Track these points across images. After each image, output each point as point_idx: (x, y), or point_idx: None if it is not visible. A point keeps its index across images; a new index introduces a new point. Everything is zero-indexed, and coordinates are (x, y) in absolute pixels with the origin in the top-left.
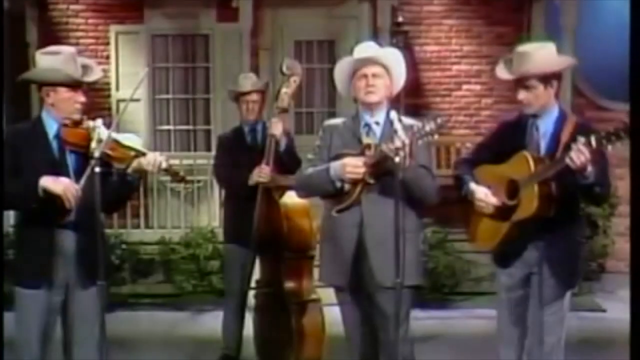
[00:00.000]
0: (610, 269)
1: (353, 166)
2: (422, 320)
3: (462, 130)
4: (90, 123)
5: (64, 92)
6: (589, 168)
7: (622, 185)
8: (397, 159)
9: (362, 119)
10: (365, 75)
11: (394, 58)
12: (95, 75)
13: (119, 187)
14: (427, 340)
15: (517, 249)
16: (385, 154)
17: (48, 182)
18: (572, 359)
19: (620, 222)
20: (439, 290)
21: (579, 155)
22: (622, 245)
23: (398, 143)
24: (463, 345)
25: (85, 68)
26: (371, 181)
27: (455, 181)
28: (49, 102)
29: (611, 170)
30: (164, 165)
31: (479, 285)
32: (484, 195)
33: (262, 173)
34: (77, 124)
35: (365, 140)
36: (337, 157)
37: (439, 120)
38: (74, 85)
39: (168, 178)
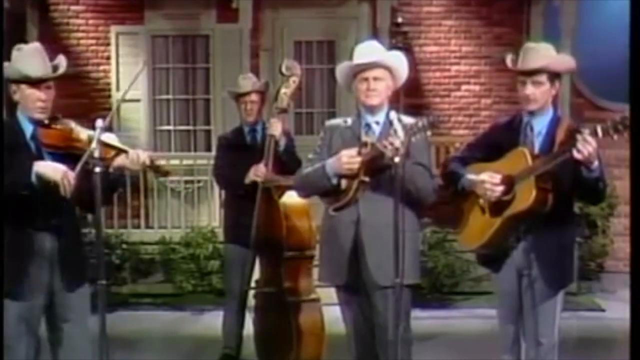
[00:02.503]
0: (610, 269)
1: (348, 157)
2: (421, 320)
3: (461, 130)
4: (65, 121)
5: (25, 89)
6: (596, 160)
7: (621, 185)
8: (396, 159)
9: (363, 118)
10: (367, 79)
11: (396, 60)
12: (59, 70)
13: (103, 185)
14: (426, 340)
15: (505, 248)
16: (380, 151)
17: (44, 168)
18: (572, 358)
19: (619, 222)
20: (438, 290)
21: (586, 145)
22: (621, 245)
23: (397, 143)
24: (463, 345)
25: (56, 66)
26: (366, 179)
27: (447, 177)
28: (16, 98)
29: (607, 170)
30: (147, 162)
31: (479, 284)
32: (488, 176)
33: (258, 172)
34: (51, 124)
35: (364, 138)
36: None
37: (431, 117)
38: (31, 82)
39: (168, 178)
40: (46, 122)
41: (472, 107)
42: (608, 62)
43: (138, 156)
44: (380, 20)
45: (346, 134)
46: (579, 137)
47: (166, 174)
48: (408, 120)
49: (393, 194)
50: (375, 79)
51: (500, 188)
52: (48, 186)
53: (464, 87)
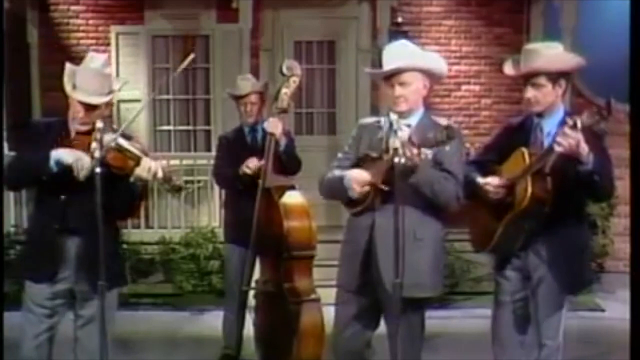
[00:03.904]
0: (610, 269)
1: (357, 182)
2: None
3: (461, 130)
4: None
5: (75, 103)
6: (585, 152)
7: (620, 185)
8: (396, 159)
9: (393, 120)
10: (393, 85)
11: (426, 62)
12: (113, 93)
13: (130, 191)
14: (426, 340)
15: (513, 250)
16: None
17: (61, 152)
18: (571, 358)
19: (619, 222)
20: None
21: (566, 138)
22: (621, 245)
23: (397, 143)
24: (463, 345)
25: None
26: (385, 188)
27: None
28: (69, 101)
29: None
30: (159, 174)
31: (479, 284)
32: (489, 179)
33: (249, 164)
34: (87, 132)
35: (391, 143)
36: (362, 158)
37: (449, 132)
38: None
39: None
40: (82, 130)
41: (472, 107)
42: (608, 62)
43: (150, 167)
44: (380, 20)
45: (375, 134)
46: (559, 131)
47: (179, 189)
48: (442, 121)
49: (411, 201)
50: (401, 84)
51: (501, 192)
52: (65, 170)
53: (464, 87)
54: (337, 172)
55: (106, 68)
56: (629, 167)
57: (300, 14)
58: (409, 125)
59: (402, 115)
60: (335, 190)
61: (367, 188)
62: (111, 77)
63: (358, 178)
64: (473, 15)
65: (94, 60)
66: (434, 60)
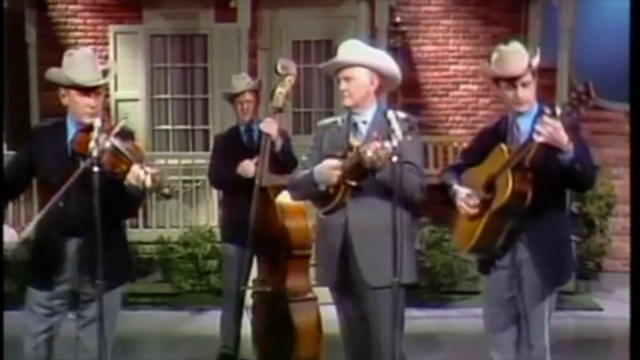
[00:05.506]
0: (608, 268)
1: (328, 168)
2: (419, 319)
3: (459, 130)
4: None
5: (74, 95)
6: (565, 141)
7: (618, 185)
8: (394, 158)
9: (351, 118)
10: (339, 80)
11: (371, 58)
12: (109, 75)
13: (128, 192)
14: (424, 339)
15: (495, 248)
16: (364, 157)
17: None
18: (569, 358)
19: (617, 222)
20: (436, 289)
21: (545, 126)
22: (619, 244)
23: (395, 142)
24: (460, 344)
25: (106, 71)
26: (353, 184)
27: (442, 188)
28: (64, 103)
29: (606, 169)
30: (147, 183)
31: (476, 284)
32: (465, 195)
33: (247, 170)
34: (88, 130)
35: (352, 140)
36: (326, 158)
37: (409, 123)
38: (81, 88)
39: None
40: (84, 128)
41: (470, 107)
42: (606, 61)
43: (139, 176)
44: (378, 19)
45: (335, 134)
46: (538, 120)
47: (168, 197)
48: (404, 115)
49: (380, 196)
50: (345, 79)
51: (476, 210)
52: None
53: (462, 86)
54: (305, 171)
55: (93, 58)
56: (629, 167)
57: (298, 14)
58: (364, 122)
59: (353, 111)
60: (304, 189)
61: (335, 178)
62: (98, 62)
63: (330, 164)
64: (471, 14)
65: (78, 51)
66: (380, 58)
